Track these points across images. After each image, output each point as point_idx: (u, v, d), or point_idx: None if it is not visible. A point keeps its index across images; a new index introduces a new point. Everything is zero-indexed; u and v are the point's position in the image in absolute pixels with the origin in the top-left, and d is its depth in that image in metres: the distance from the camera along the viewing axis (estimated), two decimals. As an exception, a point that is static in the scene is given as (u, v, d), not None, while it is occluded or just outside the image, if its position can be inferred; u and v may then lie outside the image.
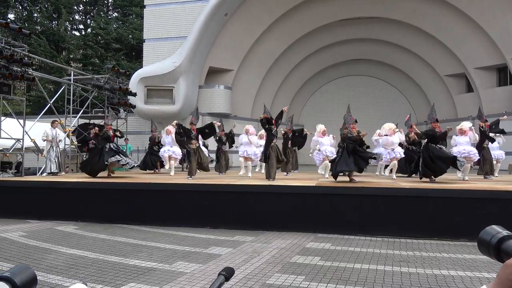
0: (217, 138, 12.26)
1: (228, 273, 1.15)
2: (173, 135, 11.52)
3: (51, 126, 11.52)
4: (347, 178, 8.84)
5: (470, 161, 9.47)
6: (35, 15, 29.68)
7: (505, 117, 10.64)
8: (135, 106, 16.40)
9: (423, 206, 7.02)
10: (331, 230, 7.13)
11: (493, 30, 18.25)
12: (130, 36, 28.84)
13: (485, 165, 10.22)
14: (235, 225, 7.57)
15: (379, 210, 7.19)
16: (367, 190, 7.46)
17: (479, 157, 9.73)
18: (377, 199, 7.28)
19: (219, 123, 11.75)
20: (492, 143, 10.35)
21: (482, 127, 10.29)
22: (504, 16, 17.65)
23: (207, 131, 10.57)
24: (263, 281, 4.45)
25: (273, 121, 9.43)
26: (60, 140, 11.89)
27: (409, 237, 6.81)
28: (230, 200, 7.84)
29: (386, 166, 10.78)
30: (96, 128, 11.73)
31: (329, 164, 10.33)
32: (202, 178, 9.86)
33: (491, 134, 10.31)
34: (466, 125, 9.63)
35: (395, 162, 10.21)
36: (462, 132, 9.45)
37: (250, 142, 11.18)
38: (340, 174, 8.66)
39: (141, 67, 20.58)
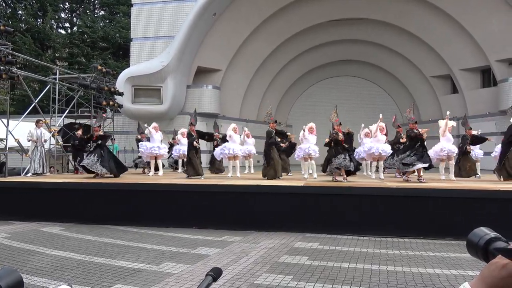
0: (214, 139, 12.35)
1: (215, 273, 1.15)
2: (159, 133, 11.47)
3: (36, 125, 11.33)
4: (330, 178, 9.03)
5: (450, 159, 9.68)
6: (20, 12, 29.13)
7: (491, 139, 11.12)
8: (122, 105, 16.24)
9: (419, 206, 7.09)
10: (319, 230, 7.16)
11: (477, 33, 18.61)
12: (117, 35, 28.54)
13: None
14: (223, 225, 7.55)
15: (369, 209, 7.26)
16: (356, 190, 7.52)
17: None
18: (366, 198, 7.35)
19: (218, 135, 12.06)
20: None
21: (466, 136, 10.81)
22: (488, 19, 18.01)
23: (207, 137, 10.95)
24: (251, 281, 4.45)
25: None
26: (45, 140, 11.71)
27: (408, 237, 6.89)
28: (218, 200, 7.82)
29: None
30: (80, 131, 11.64)
31: (314, 163, 10.44)
32: (191, 178, 9.81)
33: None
34: (449, 123, 9.83)
35: (381, 161, 10.30)
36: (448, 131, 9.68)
37: (233, 139, 11.19)
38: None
39: (128, 66, 20.40)
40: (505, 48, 18.04)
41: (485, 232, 0.81)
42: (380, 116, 10.63)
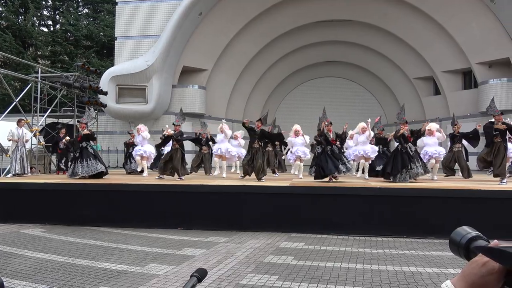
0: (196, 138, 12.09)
1: (200, 274, 1.14)
2: (144, 134, 11.35)
3: (17, 125, 11.08)
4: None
5: (438, 161, 9.94)
6: (0, 9, 28.44)
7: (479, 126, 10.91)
8: (106, 105, 16.01)
9: (402, 205, 7.20)
10: (305, 230, 7.20)
11: (459, 36, 19.00)
12: (101, 33, 28.12)
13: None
14: (209, 226, 7.52)
15: (353, 209, 7.33)
16: (341, 190, 7.59)
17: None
18: (350, 198, 7.42)
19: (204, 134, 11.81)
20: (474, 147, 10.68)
21: (453, 131, 10.70)
22: (469, 23, 18.41)
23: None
24: (236, 281, 4.44)
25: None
26: (27, 140, 11.45)
27: (391, 236, 6.98)
28: (204, 200, 7.78)
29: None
30: (64, 130, 11.42)
31: (302, 164, 10.56)
32: (175, 178, 9.74)
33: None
34: (433, 126, 10.04)
35: (367, 162, 10.44)
36: (430, 133, 9.85)
37: (226, 136, 11.10)
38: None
39: (113, 65, 20.13)
40: (485, 51, 18.47)
41: (467, 231, 0.84)
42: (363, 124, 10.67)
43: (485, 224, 6.27)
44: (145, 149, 11.34)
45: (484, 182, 9.06)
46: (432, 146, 9.88)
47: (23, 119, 11.41)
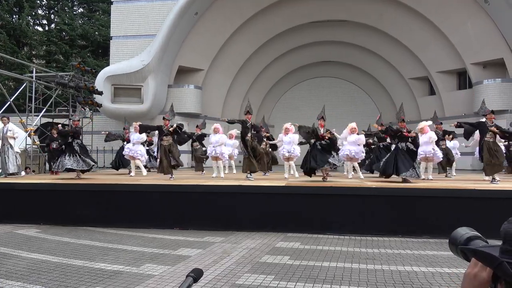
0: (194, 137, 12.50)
1: (196, 274, 1.14)
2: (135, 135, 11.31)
3: (1, 121, 10.80)
4: (317, 177, 9.04)
5: (433, 161, 9.96)
6: (-6, 8, 28.23)
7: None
8: (101, 105, 15.95)
9: (397, 205, 7.23)
10: (301, 230, 7.20)
11: (454, 36, 19.12)
12: (97, 33, 28.00)
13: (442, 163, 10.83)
14: (205, 226, 7.51)
15: (348, 209, 7.35)
16: (336, 190, 7.60)
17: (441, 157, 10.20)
18: (346, 198, 7.43)
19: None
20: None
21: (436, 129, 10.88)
22: (464, 24, 18.53)
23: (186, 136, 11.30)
24: (232, 281, 4.44)
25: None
26: (11, 137, 11.03)
27: (387, 235, 7.00)
28: (200, 200, 7.77)
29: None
30: (55, 129, 11.31)
31: (293, 163, 10.62)
32: (172, 178, 9.71)
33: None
34: (427, 123, 10.09)
35: (355, 162, 10.47)
36: (422, 131, 9.81)
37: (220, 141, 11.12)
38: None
39: (108, 65, 20.07)
40: (479, 52, 18.60)
41: (466, 231, 0.85)
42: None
43: (483, 224, 6.30)
44: (135, 148, 11.29)
45: (477, 182, 9.11)
46: (427, 145, 9.89)
47: (5, 117, 10.99)
